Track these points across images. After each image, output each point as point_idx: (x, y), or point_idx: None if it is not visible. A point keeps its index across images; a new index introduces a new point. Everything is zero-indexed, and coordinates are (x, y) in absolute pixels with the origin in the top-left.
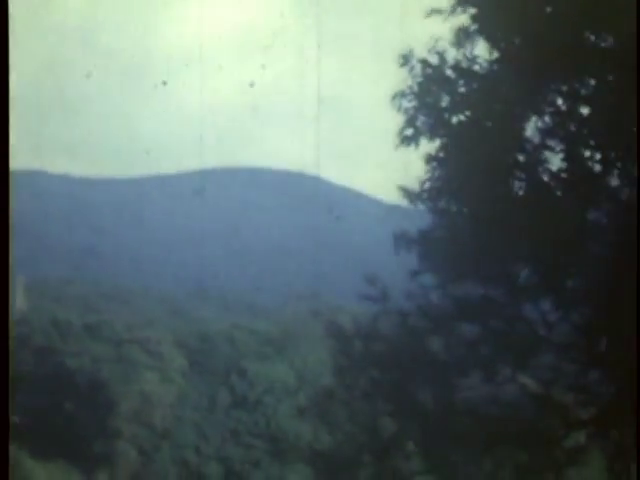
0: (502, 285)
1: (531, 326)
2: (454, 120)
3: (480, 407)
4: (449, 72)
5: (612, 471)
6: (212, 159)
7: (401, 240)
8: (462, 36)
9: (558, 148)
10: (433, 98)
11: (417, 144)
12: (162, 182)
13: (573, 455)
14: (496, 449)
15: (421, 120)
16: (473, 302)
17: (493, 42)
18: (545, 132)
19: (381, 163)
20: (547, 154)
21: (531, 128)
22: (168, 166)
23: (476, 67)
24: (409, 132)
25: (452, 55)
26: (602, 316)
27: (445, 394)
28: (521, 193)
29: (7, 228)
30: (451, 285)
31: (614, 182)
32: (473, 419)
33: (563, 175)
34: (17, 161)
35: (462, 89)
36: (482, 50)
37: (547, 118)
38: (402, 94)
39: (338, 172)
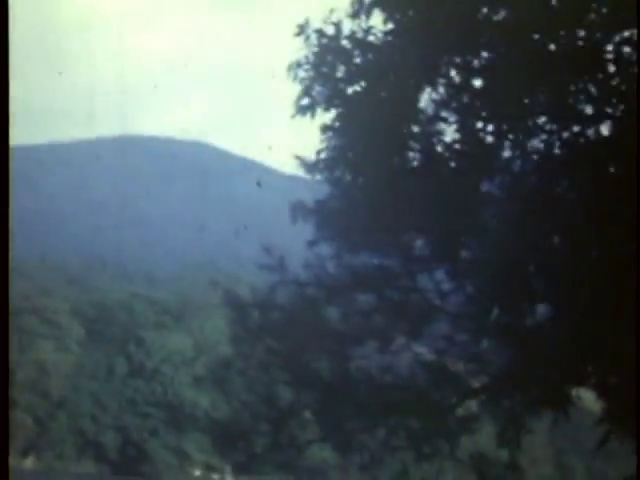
0: (397, 255)
1: (425, 296)
2: (349, 90)
3: (375, 376)
4: (345, 42)
5: (502, 438)
6: (105, 128)
7: (298, 210)
8: (358, 7)
9: (452, 119)
10: (329, 68)
11: (313, 114)
12: (56, 150)
13: (465, 423)
14: (390, 417)
15: (317, 90)
16: (368, 272)
17: (388, 13)
18: (439, 103)
19: (278, 133)
20: (441, 125)
21: (425, 99)
22: (61, 134)
23: (371, 38)
24: (305, 102)
25: (348, 26)
26: (493, 286)
27: (341, 363)
28: (416, 164)
29: (7, 228)
30: (347, 255)
31: (506, 153)
32: (368, 388)
33: (457, 146)
34: None
35: (357, 60)
36: (377, 21)
37: (441, 90)
38: (298, 64)
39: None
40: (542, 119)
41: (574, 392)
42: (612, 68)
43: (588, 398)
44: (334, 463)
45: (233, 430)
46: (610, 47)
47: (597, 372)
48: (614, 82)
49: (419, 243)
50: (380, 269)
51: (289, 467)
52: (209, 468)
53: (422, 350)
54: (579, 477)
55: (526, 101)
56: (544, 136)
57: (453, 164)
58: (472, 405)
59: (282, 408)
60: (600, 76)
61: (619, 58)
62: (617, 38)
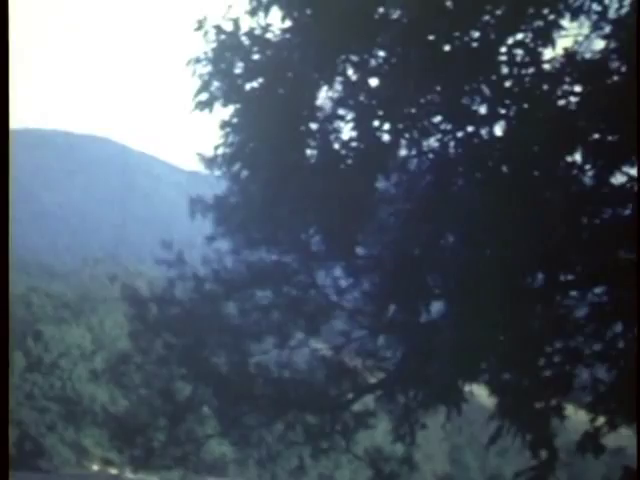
0: (294, 251)
1: (323, 292)
2: (247, 87)
3: (273, 371)
4: (243, 39)
5: (397, 433)
6: None
7: (197, 205)
8: (256, 4)
9: (349, 117)
10: (227, 64)
11: (211, 109)
12: None
13: (361, 418)
14: (288, 412)
15: (215, 86)
16: (266, 268)
17: (286, 11)
18: (336, 101)
19: (178, 129)
20: (339, 123)
21: (323, 97)
22: None
23: (269, 35)
24: (203, 97)
25: (247, 22)
26: (389, 283)
27: (239, 358)
28: (313, 161)
29: (7, 226)
30: (245, 251)
31: (403, 152)
32: (266, 383)
33: (353, 144)
34: None
35: (256, 56)
36: (276, 19)
37: (338, 87)
38: (197, 59)
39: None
40: (437, 119)
41: (467, 388)
42: (505, 70)
43: (481, 394)
44: (232, 458)
45: (131, 425)
46: (503, 49)
47: (490, 369)
48: (507, 84)
49: (316, 240)
50: (278, 265)
51: (187, 462)
52: (107, 463)
53: (320, 346)
54: (473, 473)
55: (422, 101)
56: (439, 135)
57: (350, 162)
58: (368, 401)
59: (179, 403)
60: (493, 77)
61: (512, 60)
62: (510, 40)
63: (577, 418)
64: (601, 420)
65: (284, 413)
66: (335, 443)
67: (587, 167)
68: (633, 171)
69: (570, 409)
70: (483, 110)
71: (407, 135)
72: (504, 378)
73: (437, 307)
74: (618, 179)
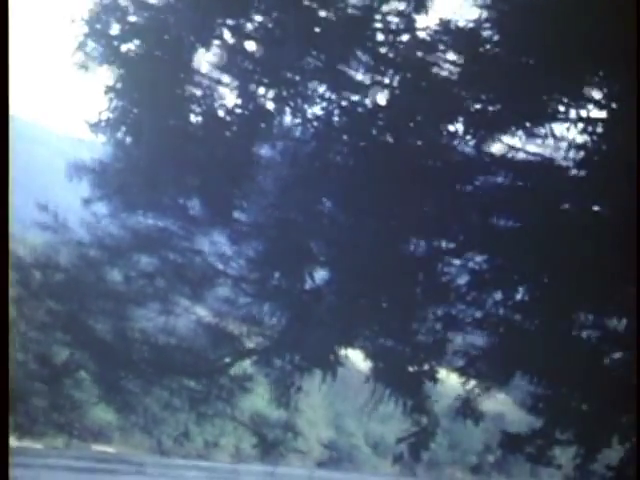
0: (178, 218)
1: (207, 259)
2: (124, 48)
3: (156, 338)
4: (120, 0)
5: (276, 397)
6: None
7: (75, 169)
8: None
9: (232, 84)
10: (103, 25)
11: (87, 70)
12: None
13: (241, 382)
14: (171, 378)
15: (91, 47)
16: (150, 234)
17: None
18: (219, 67)
19: (61, 94)
20: (222, 89)
21: (205, 62)
22: None
23: None
24: (79, 58)
25: None
26: (274, 250)
27: (122, 325)
28: (197, 126)
29: (7, 223)
30: (125, 215)
31: (287, 119)
32: (149, 349)
33: (237, 111)
34: None
35: (132, 18)
36: None
37: (219, 53)
38: (72, 20)
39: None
40: (322, 87)
41: (343, 352)
42: (381, 37)
43: (359, 359)
44: (116, 424)
45: (11, 391)
46: (379, 16)
47: (369, 334)
48: (383, 50)
49: (199, 206)
50: (163, 232)
51: (72, 428)
52: None
53: (204, 313)
54: (357, 440)
55: (304, 67)
56: (324, 104)
57: (235, 128)
58: (247, 365)
59: (57, 368)
60: (369, 44)
61: (387, 27)
62: (385, 8)
63: (454, 384)
64: (477, 385)
65: (168, 379)
66: (219, 410)
67: (468, 137)
68: (513, 141)
69: (443, 373)
70: (365, 79)
71: (291, 103)
72: (380, 343)
73: (322, 274)
74: (498, 149)
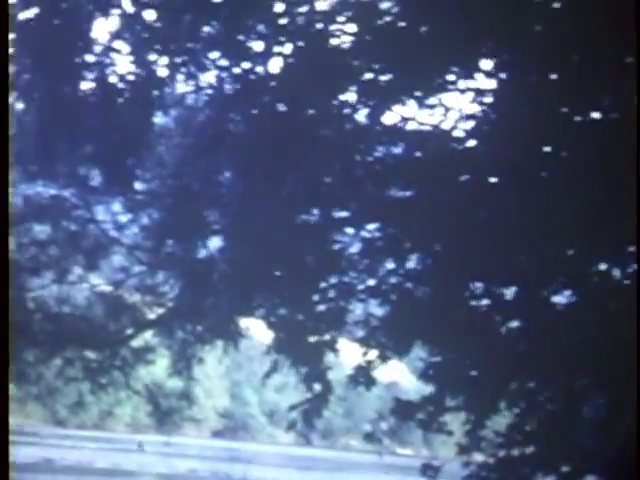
0: (72, 186)
1: (102, 227)
2: (21, 16)
3: (52, 307)
4: None
5: (175, 368)
6: None
7: None
8: None
9: (126, 51)
10: None
11: None
12: None
13: (141, 354)
14: (66, 348)
15: None
16: (44, 202)
17: None
18: (113, 34)
19: None
20: (118, 58)
21: (99, 29)
22: None
23: None
24: None
25: None
26: (168, 218)
27: (17, 294)
28: (89, 93)
29: (7, 225)
30: (22, 185)
31: (181, 87)
32: (44, 318)
33: (131, 78)
34: None
35: None
36: None
37: (115, 20)
38: None
39: None
40: (215, 54)
41: (243, 323)
42: (281, 7)
43: (259, 330)
44: (12, 395)
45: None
46: None
47: (267, 304)
48: (282, 21)
49: (94, 174)
50: (56, 199)
51: None
52: None
53: (99, 281)
54: (252, 408)
55: (203, 37)
56: (217, 71)
57: (127, 95)
58: (147, 336)
59: None
60: (268, 15)
61: None
62: None
63: (350, 352)
64: (373, 353)
65: (62, 349)
66: (114, 379)
67: (360, 106)
68: (404, 111)
69: (344, 343)
70: (260, 48)
71: (184, 70)
72: (280, 313)
73: (216, 243)
74: (391, 119)
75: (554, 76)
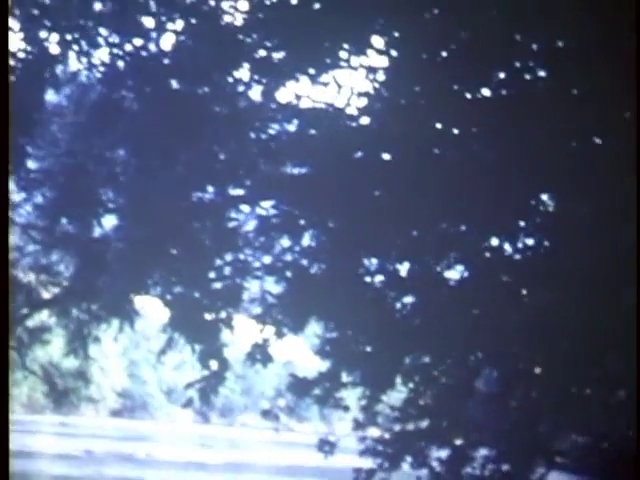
0: None
1: None
2: None
3: None
4: None
5: (70, 347)
6: None
7: None
8: None
9: (16, 28)
10: None
11: None
12: None
13: (36, 334)
14: None
15: None
16: None
17: None
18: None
19: None
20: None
21: None
22: None
23: None
24: None
25: None
26: (62, 197)
27: None
28: None
29: (7, 226)
30: None
31: (73, 64)
32: None
33: (21, 55)
34: None
35: None
36: None
37: None
38: None
39: None
40: (106, 31)
41: (139, 301)
42: None
43: (156, 308)
44: None
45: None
46: None
47: (162, 282)
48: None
49: None
50: None
51: None
52: None
53: None
54: (150, 387)
55: (91, 11)
56: (109, 48)
57: (19, 73)
58: (43, 316)
59: None
60: None
61: None
62: None
63: (247, 329)
64: (270, 330)
65: None
66: (10, 359)
67: (253, 83)
68: (298, 88)
69: (240, 320)
70: (150, 23)
71: (76, 47)
72: (176, 291)
73: (110, 221)
74: (284, 96)
75: (444, 54)
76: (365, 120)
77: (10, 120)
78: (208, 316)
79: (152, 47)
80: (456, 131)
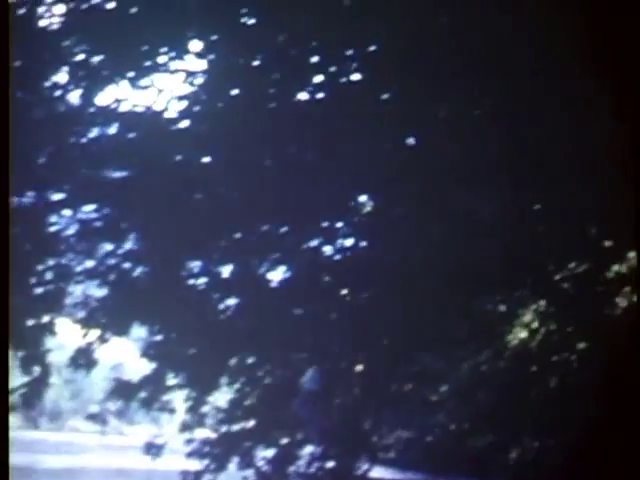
0: None
1: None
2: None
3: None
4: None
5: None
6: None
7: None
8: None
9: None
10: None
11: None
12: None
13: None
14: None
15: None
16: None
17: None
18: None
19: None
20: None
21: None
22: None
23: None
24: None
25: None
26: None
27: None
28: None
29: (7, 227)
30: None
31: None
32: None
33: None
34: None
35: None
36: None
37: None
38: None
39: None
40: None
41: None
42: None
43: None
44: None
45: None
46: None
47: None
48: None
49: None
50: None
51: None
52: None
53: None
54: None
55: None
56: None
57: None
58: None
59: None
60: None
61: None
62: None
63: (72, 334)
64: (94, 334)
65: None
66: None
67: (72, 87)
68: (117, 92)
69: (65, 325)
70: None
71: None
72: None
73: None
74: (103, 100)
75: (261, 57)
76: (184, 123)
77: None
78: (30, 322)
79: None
80: (274, 133)
